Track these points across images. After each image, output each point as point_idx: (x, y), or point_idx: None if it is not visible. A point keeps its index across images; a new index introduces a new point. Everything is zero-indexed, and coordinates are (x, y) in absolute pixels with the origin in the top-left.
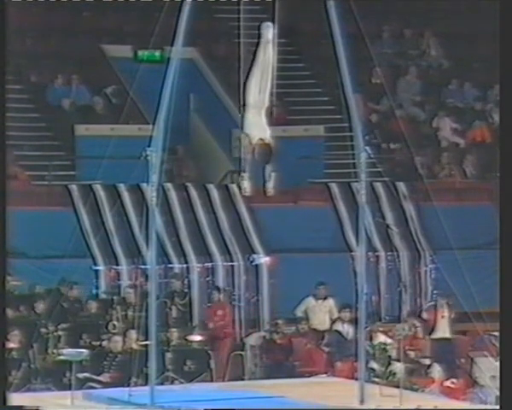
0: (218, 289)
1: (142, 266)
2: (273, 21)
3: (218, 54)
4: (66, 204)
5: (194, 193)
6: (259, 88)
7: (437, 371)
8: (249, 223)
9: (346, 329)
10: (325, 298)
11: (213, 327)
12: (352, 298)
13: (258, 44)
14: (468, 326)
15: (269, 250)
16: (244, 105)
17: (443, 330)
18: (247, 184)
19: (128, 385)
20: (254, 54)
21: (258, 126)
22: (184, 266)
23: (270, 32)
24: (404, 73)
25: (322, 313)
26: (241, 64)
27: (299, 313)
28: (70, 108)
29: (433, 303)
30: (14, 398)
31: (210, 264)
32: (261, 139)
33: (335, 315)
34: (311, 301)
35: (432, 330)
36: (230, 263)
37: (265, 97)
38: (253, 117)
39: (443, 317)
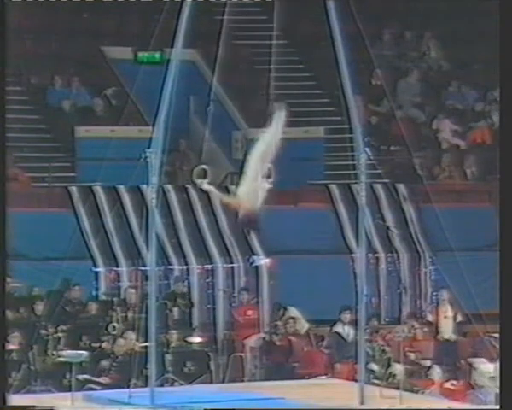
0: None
1: (142, 268)
2: (273, 22)
3: (218, 55)
4: (66, 206)
5: (194, 194)
6: (261, 162)
7: (437, 372)
8: None
9: (347, 330)
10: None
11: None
12: (352, 300)
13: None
14: (468, 328)
15: (269, 252)
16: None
17: (446, 332)
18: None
19: (128, 387)
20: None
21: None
22: (184, 267)
23: (283, 112)
24: (404, 74)
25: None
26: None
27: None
28: (70, 110)
29: (436, 304)
30: (14, 400)
31: (210, 265)
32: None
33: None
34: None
35: (436, 331)
36: (230, 265)
37: (264, 167)
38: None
39: (446, 317)
